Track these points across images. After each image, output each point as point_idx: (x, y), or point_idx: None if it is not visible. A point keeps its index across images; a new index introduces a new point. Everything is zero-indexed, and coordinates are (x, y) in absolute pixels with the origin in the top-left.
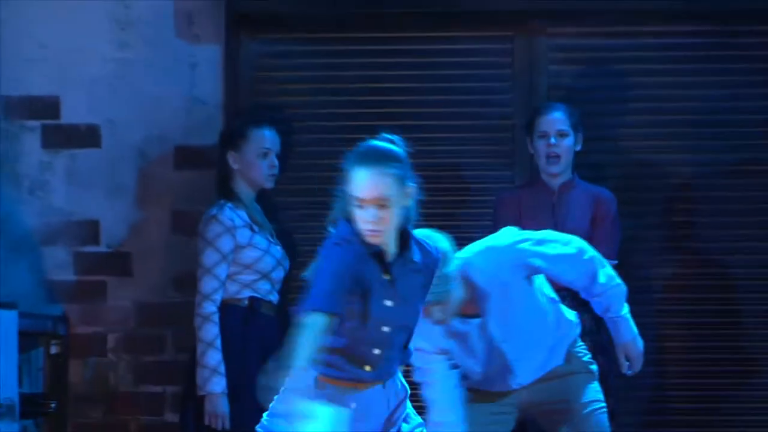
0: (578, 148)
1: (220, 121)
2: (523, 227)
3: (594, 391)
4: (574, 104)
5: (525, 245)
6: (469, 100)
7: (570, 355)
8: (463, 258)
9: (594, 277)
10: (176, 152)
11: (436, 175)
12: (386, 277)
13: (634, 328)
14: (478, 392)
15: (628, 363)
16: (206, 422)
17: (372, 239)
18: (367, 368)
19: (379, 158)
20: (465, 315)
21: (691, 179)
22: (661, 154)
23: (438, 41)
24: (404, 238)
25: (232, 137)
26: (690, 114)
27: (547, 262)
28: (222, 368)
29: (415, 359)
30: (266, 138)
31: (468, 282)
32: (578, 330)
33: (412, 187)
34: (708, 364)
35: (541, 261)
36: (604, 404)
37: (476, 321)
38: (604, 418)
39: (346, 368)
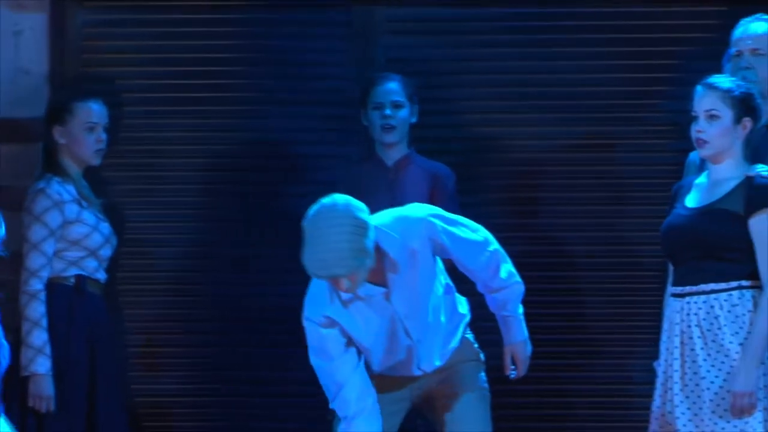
0: (414, 120)
1: (46, 93)
2: None
3: (481, 380)
4: (413, 76)
5: (437, 221)
6: (304, 72)
7: (463, 342)
8: (375, 225)
9: (496, 270)
10: (0, 125)
11: (268, 150)
12: None
13: (526, 331)
14: (378, 379)
15: (513, 366)
16: (30, 404)
17: None
18: None
19: None
20: (370, 282)
21: (534, 154)
22: (504, 128)
23: (271, 10)
24: None
25: (58, 111)
26: (534, 86)
27: (453, 243)
28: (48, 349)
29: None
30: (93, 111)
31: (379, 249)
32: (469, 317)
33: None
34: (552, 344)
35: (449, 240)
36: (489, 393)
37: (380, 290)
38: (488, 407)
39: None
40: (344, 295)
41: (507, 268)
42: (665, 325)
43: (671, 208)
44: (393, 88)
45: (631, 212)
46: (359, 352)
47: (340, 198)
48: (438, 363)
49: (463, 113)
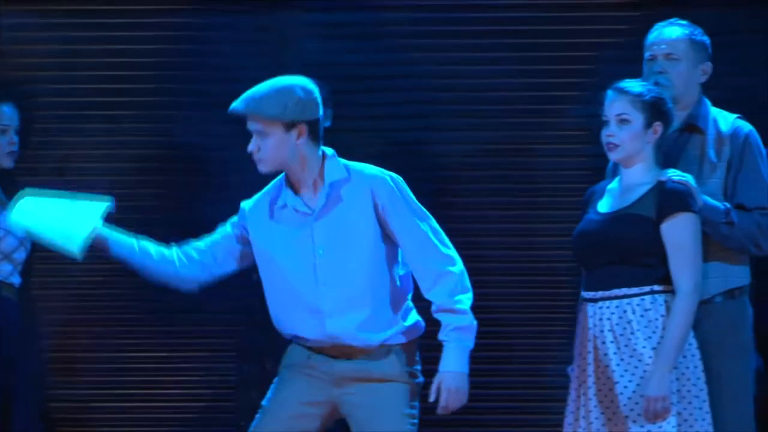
0: (327, 124)
1: None
2: None
3: (406, 406)
4: (328, 81)
5: (391, 183)
6: (218, 77)
7: (394, 357)
8: (339, 159)
9: (449, 290)
10: None
11: (183, 155)
12: None
13: (465, 366)
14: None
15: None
16: None
17: None
18: None
19: None
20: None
21: (449, 158)
22: (419, 132)
23: (185, 15)
24: None
25: None
26: (449, 91)
27: (398, 217)
28: None
29: None
30: (4, 114)
31: (322, 173)
32: (416, 335)
33: None
34: None
35: (392, 209)
36: (413, 421)
37: (307, 209)
38: None
39: None
40: (278, 203)
41: (463, 297)
42: (578, 330)
43: (584, 213)
44: None
45: (546, 217)
46: (244, 244)
47: (304, 76)
48: (349, 341)
49: (378, 118)
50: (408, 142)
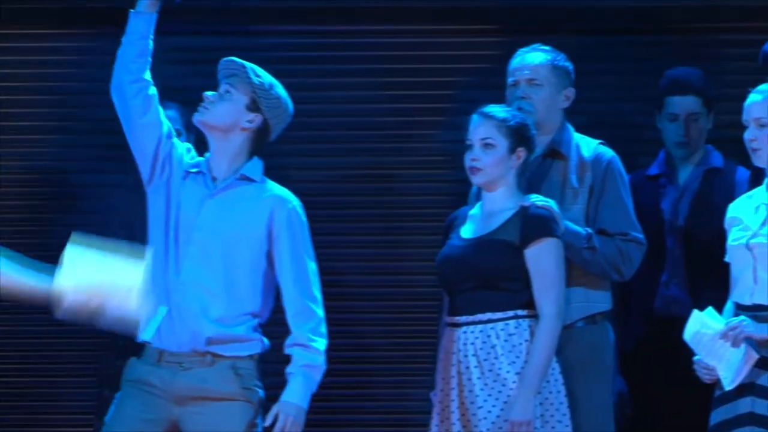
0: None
1: None
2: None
3: (247, 424)
4: (190, 105)
5: (297, 212)
6: (81, 101)
7: (233, 373)
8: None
9: (311, 329)
10: None
11: (48, 180)
12: None
13: (305, 402)
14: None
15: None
16: None
17: None
18: None
19: None
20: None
21: (310, 184)
22: (280, 158)
23: (48, 39)
24: None
25: None
26: (309, 117)
27: (287, 247)
28: None
29: None
30: None
31: (239, 170)
32: (258, 351)
33: None
34: (327, 374)
35: (288, 237)
36: None
37: (211, 183)
38: None
39: None
40: (195, 169)
41: (319, 339)
42: (441, 355)
43: (445, 239)
44: (170, 116)
45: (408, 242)
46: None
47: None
48: (190, 319)
49: None
50: (267, 168)
